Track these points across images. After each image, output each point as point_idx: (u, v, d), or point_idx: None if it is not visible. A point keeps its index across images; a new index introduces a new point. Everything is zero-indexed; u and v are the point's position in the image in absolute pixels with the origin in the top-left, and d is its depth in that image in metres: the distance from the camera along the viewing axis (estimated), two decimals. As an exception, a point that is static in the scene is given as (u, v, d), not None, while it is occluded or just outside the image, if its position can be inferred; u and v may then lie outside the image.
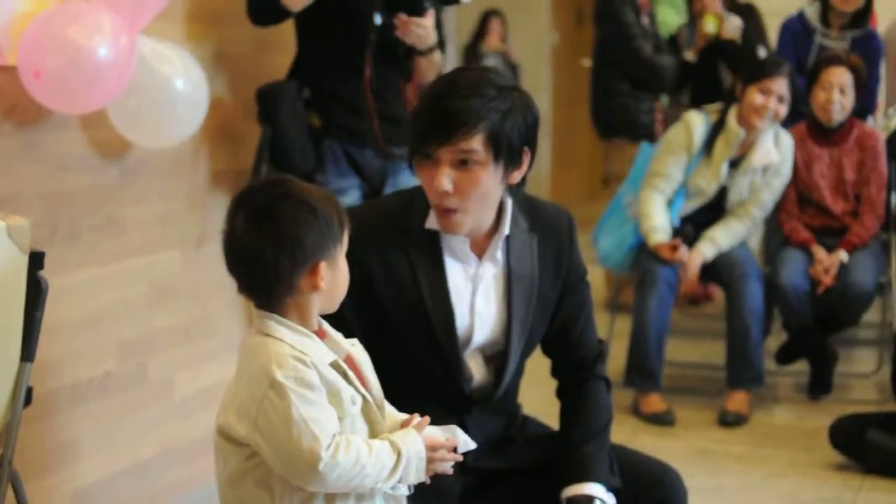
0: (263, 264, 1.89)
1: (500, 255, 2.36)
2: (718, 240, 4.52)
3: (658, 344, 4.48)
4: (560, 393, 2.55)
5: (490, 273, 2.37)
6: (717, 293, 5.18)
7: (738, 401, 4.48)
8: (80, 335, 3.15)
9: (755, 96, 4.44)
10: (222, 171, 3.67)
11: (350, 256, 2.02)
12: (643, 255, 4.55)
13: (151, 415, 3.42)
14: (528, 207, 2.43)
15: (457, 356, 2.34)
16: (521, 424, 2.56)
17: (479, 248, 2.37)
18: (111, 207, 3.23)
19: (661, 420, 4.42)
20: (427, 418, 2.02)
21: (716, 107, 4.63)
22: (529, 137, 2.27)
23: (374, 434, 1.98)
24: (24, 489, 2.14)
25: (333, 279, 1.96)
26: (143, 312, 3.37)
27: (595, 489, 2.35)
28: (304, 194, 1.92)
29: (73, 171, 3.09)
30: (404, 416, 2.07)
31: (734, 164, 4.53)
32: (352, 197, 3.69)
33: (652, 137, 5.51)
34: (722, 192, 4.56)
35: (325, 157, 3.69)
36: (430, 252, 2.33)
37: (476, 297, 2.36)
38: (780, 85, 4.43)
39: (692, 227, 4.57)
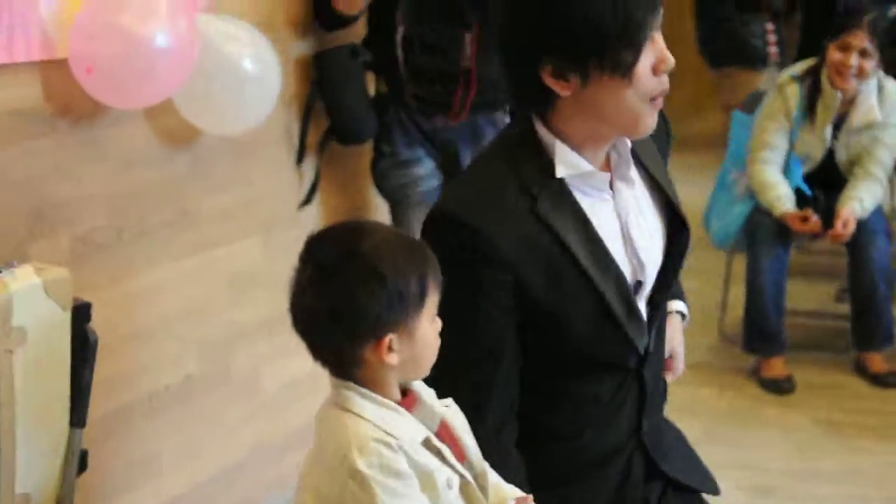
0: (321, 331, 1.63)
1: (633, 172, 1.93)
2: (865, 201, 4.12)
3: (776, 305, 4.21)
4: None
5: (628, 195, 1.92)
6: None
7: (878, 362, 4.18)
8: (154, 341, 2.92)
9: (834, 54, 4.09)
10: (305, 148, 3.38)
11: (490, 254, 1.75)
12: (754, 215, 4.23)
13: (238, 414, 3.20)
14: None
15: (633, 310, 1.91)
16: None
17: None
18: (183, 200, 2.97)
19: (780, 387, 4.14)
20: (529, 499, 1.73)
21: (806, 65, 4.27)
22: None
23: (475, 513, 1.70)
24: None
25: (411, 350, 1.64)
26: (223, 308, 3.13)
27: (680, 305, 2.23)
28: (375, 255, 1.61)
29: (139, 165, 2.83)
30: (513, 489, 1.79)
31: (836, 125, 4.18)
32: (424, 168, 3.43)
33: (765, 62, 5.12)
34: (829, 154, 4.22)
35: (391, 126, 3.40)
36: (566, 205, 1.85)
37: (631, 230, 1.91)
38: (859, 39, 4.04)
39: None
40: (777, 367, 4.19)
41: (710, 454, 3.62)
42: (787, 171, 4.20)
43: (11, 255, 2.50)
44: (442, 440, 1.69)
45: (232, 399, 3.17)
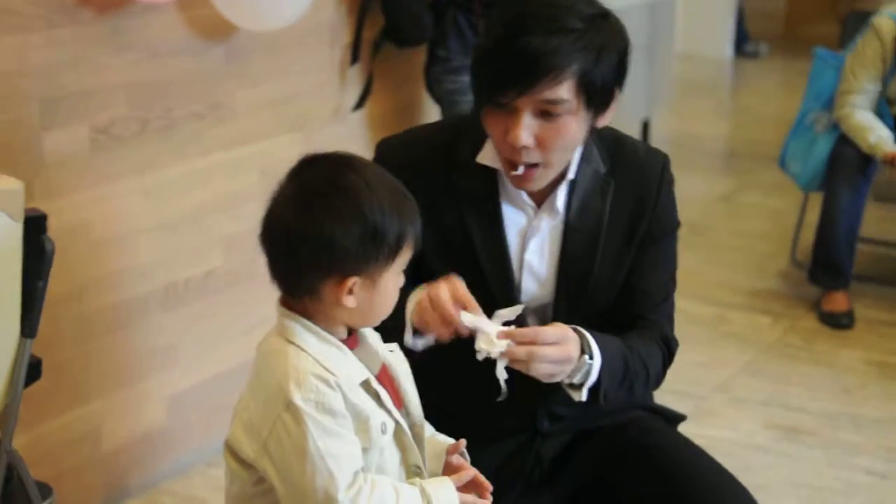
0: (287, 249, 1.57)
1: (560, 204, 1.94)
2: None
3: (848, 239, 4.06)
4: None
5: (546, 224, 1.96)
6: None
7: None
8: (178, 234, 2.91)
9: None
10: (350, 45, 3.30)
11: None
12: (837, 148, 4.03)
13: (259, 312, 3.19)
14: (615, 148, 1.99)
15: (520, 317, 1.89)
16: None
17: (538, 195, 1.95)
18: (216, 93, 2.93)
19: (837, 322, 4.01)
20: (470, 471, 1.69)
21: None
22: (621, 74, 1.85)
23: (406, 462, 1.68)
24: (28, 474, 1.91)
25: (370, 300, 1.60)
26: (253, 203, 3.09)
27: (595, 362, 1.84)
28: (364, 193, 1.55)
29: (169, 56, 2.78)
30: (446, 439, 1.76)
31: None
32: None
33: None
34: None
35: (447, 31, 3.30)
36: (485, 195, 1.93)
37: (526, 251, 1.96)
38: None
39: None
40: (838, 301, 4.04)
41: (748, 387, 3.56)
42: (876, 113, 4.02)
43: (26, 144, 2.51)
44: (381, 384, 1.65)
45: (254, 296, 3.16)
